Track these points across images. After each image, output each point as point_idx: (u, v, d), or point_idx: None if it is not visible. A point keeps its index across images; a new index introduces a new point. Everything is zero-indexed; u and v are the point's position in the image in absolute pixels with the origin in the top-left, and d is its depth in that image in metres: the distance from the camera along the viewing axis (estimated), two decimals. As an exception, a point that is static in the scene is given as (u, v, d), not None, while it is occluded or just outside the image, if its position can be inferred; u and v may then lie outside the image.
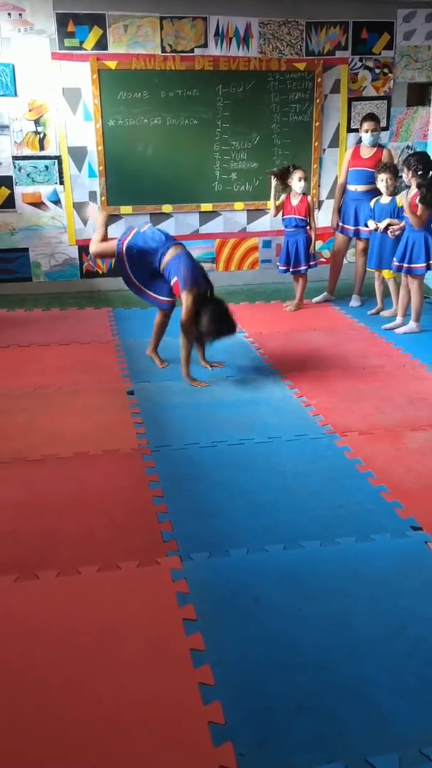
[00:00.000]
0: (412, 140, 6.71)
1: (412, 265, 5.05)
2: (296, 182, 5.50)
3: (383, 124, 6.35)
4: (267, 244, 6.68)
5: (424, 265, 5.01)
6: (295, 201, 5.59)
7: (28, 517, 2.84)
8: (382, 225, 5.30)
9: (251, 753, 1.79)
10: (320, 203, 6.67)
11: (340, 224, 5.86)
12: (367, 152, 5.63)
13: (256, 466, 3.27)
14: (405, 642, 2.16)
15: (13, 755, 1.78)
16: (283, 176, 5.56)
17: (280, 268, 5.80)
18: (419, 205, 4.89)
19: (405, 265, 5.07)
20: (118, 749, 1.80)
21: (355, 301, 5.98)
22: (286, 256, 5.71)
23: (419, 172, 4.88)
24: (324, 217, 6.45)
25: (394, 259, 5.18)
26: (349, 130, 6.52)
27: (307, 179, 5.63)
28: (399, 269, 5.15)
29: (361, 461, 3.29)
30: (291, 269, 5.72)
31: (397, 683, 2.00)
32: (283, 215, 5.71)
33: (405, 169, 5.02)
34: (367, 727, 1.87)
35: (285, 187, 5.59)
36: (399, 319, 5.33)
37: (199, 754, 1.78)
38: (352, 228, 5.77)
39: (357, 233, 5.76)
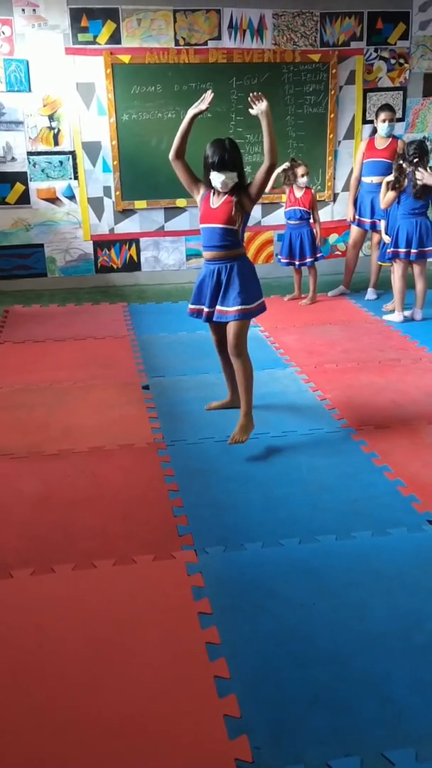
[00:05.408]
0: (429, 131, 6.64)
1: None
2: (300, 177, 5.49)
3: (399, 115, 6.30)
4: (281, 238, 6.64)
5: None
6: (299, 193, 5.57)
7: (45, 510, 2.86)
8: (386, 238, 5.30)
9: (267, 746, 1.79)
10: (335, 196, 6.63)
11: (356, 217, 5.82)
12: (381, 143, 5.58)
13: (271, 460, 3.26)
14: (421, 636, 2.15)
15: (30, 746, 1.80)
16: (286, 170, 5.54)
17: (283, 260, 5.78)
18: None
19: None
20: (134, 741, 1.80)
21: (370, 295, 5.95)
22: (289, 248, 5.70)
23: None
24: (339, 210, 6.40)
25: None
26: (365, 121, 6.47)
27: (309, 174, 5.61)
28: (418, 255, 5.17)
29: (377, 455, 3.27)
30: (297, 262, 5.70)
31: (413, 677, 1.99)
32: (285, 207, 5.69)
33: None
34: (383, 721, 1.86)
35: (287, 179, 5.57)
36: (418, 311, 5.31)
37: (214, 747, 1.78)
38: (368, 221, 5.72)
39: (373, 226, 5.71)
